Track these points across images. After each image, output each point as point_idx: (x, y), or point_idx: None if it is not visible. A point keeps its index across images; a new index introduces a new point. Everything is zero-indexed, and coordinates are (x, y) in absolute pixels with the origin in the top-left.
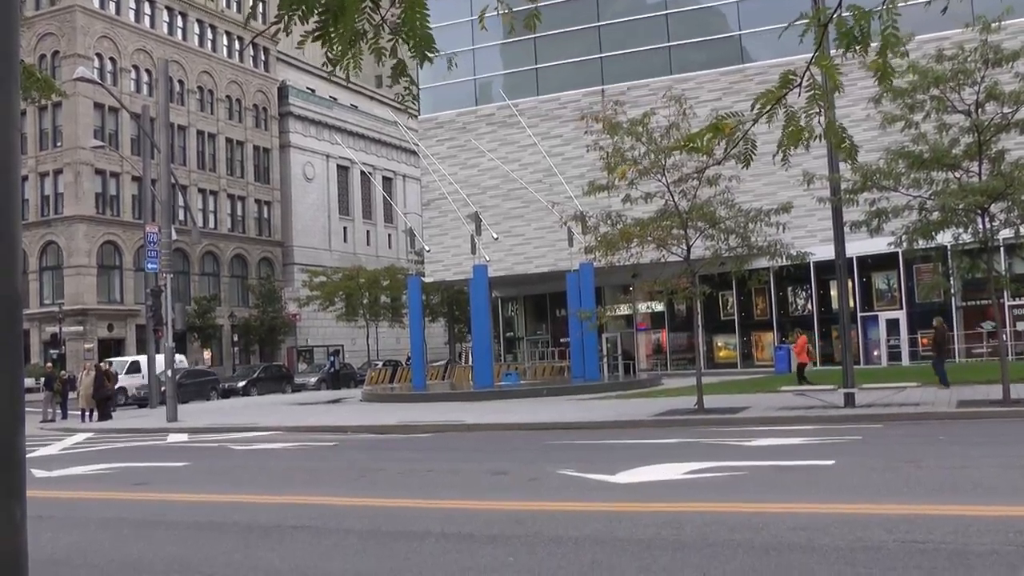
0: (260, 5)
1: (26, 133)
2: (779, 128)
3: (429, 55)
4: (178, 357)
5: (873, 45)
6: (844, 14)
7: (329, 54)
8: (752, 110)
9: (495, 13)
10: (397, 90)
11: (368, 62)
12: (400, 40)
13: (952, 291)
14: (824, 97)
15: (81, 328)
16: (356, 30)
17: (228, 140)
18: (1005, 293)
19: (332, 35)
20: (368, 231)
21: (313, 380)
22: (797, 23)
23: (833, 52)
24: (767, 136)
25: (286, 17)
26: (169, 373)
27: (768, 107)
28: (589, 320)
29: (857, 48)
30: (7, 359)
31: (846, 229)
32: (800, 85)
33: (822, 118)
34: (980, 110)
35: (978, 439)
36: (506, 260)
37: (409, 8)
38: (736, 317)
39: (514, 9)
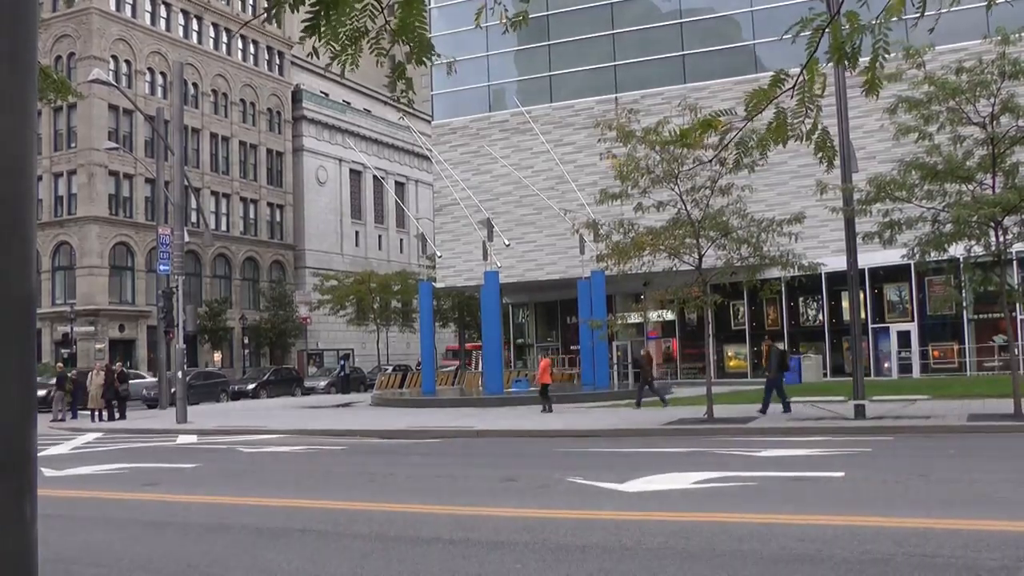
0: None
1: (41, 134)
2: (789, 140)
3: (427, 59)
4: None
5: (864, 60)
6: (843, 26)
7: (316, 44)
8: (746, 109)
9: (504, 22)
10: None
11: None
12: (400, 42)
13: (964, 304)
14: (816, 98)
15: (92, 328)
16: (357, 27)
17: (241, 143)
18: (1017, 306)
19: (323, 28)
20: (380, 236)
21: (323, 384)
22: (801, 33)
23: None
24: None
25: (277, 6)
26: (180, 374)
27: (762, 106)
28: (600, 330)
29: (847, 63)
30: (21, 359)
31: (858, 240)
32: (793, 88)
33: (808, 121)
34: (995, 122)
35: (989, 453)
36: (518, 267)
37: (405, 9)
38: (747, 327)
39: (512, 17)
